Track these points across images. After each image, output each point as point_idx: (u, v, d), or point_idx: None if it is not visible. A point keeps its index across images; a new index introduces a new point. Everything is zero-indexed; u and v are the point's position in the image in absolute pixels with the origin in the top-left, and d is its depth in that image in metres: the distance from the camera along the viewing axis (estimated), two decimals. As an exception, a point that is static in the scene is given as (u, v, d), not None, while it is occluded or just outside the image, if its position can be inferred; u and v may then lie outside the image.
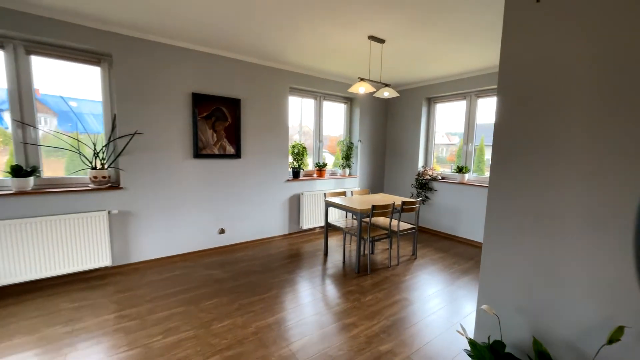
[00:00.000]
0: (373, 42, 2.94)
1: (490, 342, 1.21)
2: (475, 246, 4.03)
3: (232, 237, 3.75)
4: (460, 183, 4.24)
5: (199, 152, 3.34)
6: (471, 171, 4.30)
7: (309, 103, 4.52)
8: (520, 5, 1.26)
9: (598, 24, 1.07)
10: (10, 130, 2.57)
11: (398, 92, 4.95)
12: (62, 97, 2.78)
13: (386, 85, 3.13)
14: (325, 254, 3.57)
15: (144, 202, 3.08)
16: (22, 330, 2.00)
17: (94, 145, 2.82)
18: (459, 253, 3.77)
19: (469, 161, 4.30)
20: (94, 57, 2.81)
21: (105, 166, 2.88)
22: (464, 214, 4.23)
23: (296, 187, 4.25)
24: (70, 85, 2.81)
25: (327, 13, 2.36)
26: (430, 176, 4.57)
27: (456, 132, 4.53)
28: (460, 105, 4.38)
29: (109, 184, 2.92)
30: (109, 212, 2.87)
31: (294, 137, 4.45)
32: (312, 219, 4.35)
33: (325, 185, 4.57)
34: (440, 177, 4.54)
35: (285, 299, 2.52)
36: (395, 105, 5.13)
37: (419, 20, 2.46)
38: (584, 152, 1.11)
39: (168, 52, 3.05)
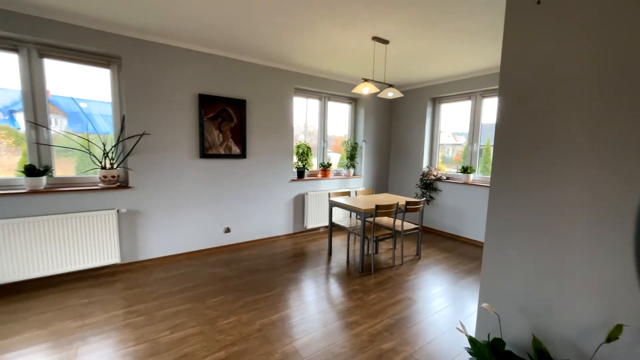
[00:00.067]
0: (377, 43, 2.96)
1: (490, 340, 1.22)
2: (480, 247, 4.01)
3: (238, 236, 3.80)
4: (465, 183, 4.22)
5: (205, 152, 3.40)
6: (477, 171, 4.28)
7: (314, 103, 4.55)
8: (521, 5, 1.27)
9: (598, 25, 1.07)
10: (22, 130, 2.65)
11: (402, 92, 4.95)
12: (73, 98, 2.86)
13: (390, 85, 3.14)
14: (330, 254, 3.60)
15: (152, 201, 3.15)
16: (36, 324, 2.07)
17: (104, 146, 2.89)
18: (463, 253, 3.76)
19: (474, 161, 4.28)
20: (103, 59, 2.88)
21: (115, 166, 2.96)
22: (469, 215, 4.21)
23: (301, 187, 4.28)
24: (80, 86, 2.89)
25: (331, 14, 2.39)
26: (434, 176, 4.56)
27: (462, 132, 4.51)
28: (466, 106, 4.36)
29: (118, 184, 2.99)
30: (118, 211, 2.95)
31: (299, 137, 4.49)
32: (316, 218, 4.37)
33: (330, 185, 4.60)
34: (445, 178, 4.53)
35: (289, 297, 2.56)
36: (400, 105, 5.13)
37: (422, 21, 2.47)
38: (584, 151, 1.12)
39: (175, 54, 3.11)
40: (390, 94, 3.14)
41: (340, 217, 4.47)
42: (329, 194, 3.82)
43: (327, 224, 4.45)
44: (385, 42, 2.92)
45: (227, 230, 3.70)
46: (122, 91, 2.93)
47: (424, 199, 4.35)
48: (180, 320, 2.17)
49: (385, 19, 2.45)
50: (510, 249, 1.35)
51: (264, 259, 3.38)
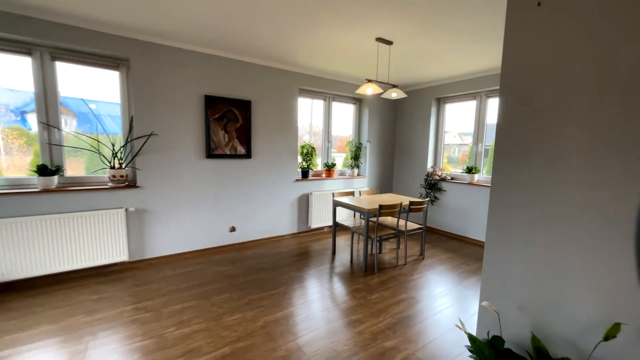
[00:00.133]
0: (381, 44, 2.97)
1: (490, 338, 1.23)
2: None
3: (243, 235, 3.85)
4: (470, 184, 4.21)
5: (211, 153, 3.45)
6: (482, 172, 4.26)
7: (319, 104, 4.58)
8: (521, 6, 1.28)
9: (598, 25, 1.08)
10: (33, 131, 2.74)
11: (407, 92, 4.95)
12: (83, 100, 2.93)
13: (394, 86, 3.16)
14: (333, 253, 3.63)
15: (159, 201, 3.22)
16: (48, 319, 2.14)
17: (113, 146, 2.96)
18: (467, 254, 3.75)
19: (479, 161, 4.26)
20: (113, 62, 2.96)
21: (123, 166, 3.03)
22: (474, 215, 4.20)
23: (305, 186, 4.32)
24: (90, 88, 2.97)
25: (335, 16, 2.42)
26: (439, 177, 4.55)
27: (469, 132, 4.49)
28: (471, 106, 4.35)
29: (127, 183, 3.06)
30: (126, 210, 3.02)
31: (305, 138, 4.53)
32: (320, 218, 4.40)
33: (334, 185, 4.62)
34: (449, 178, 4.52)
35: (293, 295, 2.59)
36: (404, 105, 5.13)
37: (426, 22, 2.49)
38: (584, 151, 1.13)
39: (182, 56, 3.17)
40: (394, 94, 3.15)
41: (344, 217, 4.49)
42: (333, 193, 3.85)
43: (331, 223, 4.48)
44: (389, 42, 2.94)
45: (233, 229, 3.75)
46: (131, 93, 3.00)
47: (428, 199, 4.34)
48: (187, 317, 2.21)
49: (391, 21, 2.47)
50: (511, 247, 1.36)
51: (269, 258, 3.42)
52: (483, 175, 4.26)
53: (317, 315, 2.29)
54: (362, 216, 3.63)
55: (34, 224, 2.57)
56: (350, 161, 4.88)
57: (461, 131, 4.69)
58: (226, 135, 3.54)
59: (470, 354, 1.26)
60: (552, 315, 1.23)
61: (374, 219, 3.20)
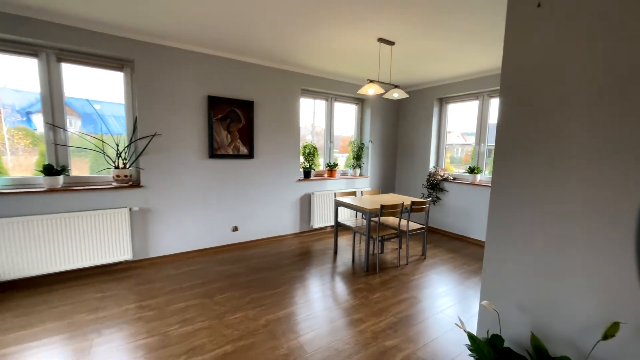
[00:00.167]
0: (382, 44, 2.98)
1: (489, 337, 1.24)
2: (487, 247, 3.98)
3: (245, 235, 3.87)
4: (472, 184, 4.20)
5: (214, 153, 3.48)
6: (484, 172, 4.26)
7: (321, 104, 4.60)
8: (522, 7, 1.29)
9: (598, 25, 1.09)
10: (38, 131, 2.78)
11: (409, 92, 4.96)
12: (88, 100, 2.97)
13: (396, 86, 3.17)
14: (335, 253, 3.64)
15: (162, 200, 3.25)
16: (54, 317, 2.17)
17: (117, 146, 3.00)
18: (469, 254, 3.75)
19: (482, 162, 4.26)
20: (117, 63, 2.99)
21: (127, 165, 3.06)
22: (476, 215, 4.19)
23: (307, 186, 4.34)
24: (94, 88, 3.00)
25: (336, 16, 2.43)
26: (441, 177, 4.55)
27: (472, 132, 4.49)
28: (473, 106, 4.34)
29: (131, 183, 3.09)
30: (130, 209, 3.05)
31: (307, 138, 4.55)
32: (322, 218, 4.42)
33: (336, 185, 4.64)
34: (451, 178, 4.52)
35: (295, 294, 2.61)
36: (407, 105, 5.13)
37: (427, 22, 2.49)
38: (584, 151, 1.13)
39: (185, 57, 3.20)
40: (396, 94, 3.16)
41: (346, 217, 4.51)
42: (335, 193, 3.86)
43: (333, 223, 4.48)
44: (391, 43, 2.95)
45: (235, 229, 3.78)
46: (135, 93, 3.03)
47: (430, 199, 4.34)
48: (190, 315, 2.24)
49: (390, 20, 2.48)
50: (511, 247, 1.37)
51: (271, 258, 3.44)
52: (485, 176, 4.25)
53: (318, 314, 2.30)
54: (363, 216, 3.63)
55: (40, 223, 2.61)
56: (352, 161, 4.89)
57: (464, 131, 4.68)
58: (229, 136, 3.57)
59: (470, 352, 1.26)
60: (551, 315, 1.24)
61: (376, 219, 3.21)
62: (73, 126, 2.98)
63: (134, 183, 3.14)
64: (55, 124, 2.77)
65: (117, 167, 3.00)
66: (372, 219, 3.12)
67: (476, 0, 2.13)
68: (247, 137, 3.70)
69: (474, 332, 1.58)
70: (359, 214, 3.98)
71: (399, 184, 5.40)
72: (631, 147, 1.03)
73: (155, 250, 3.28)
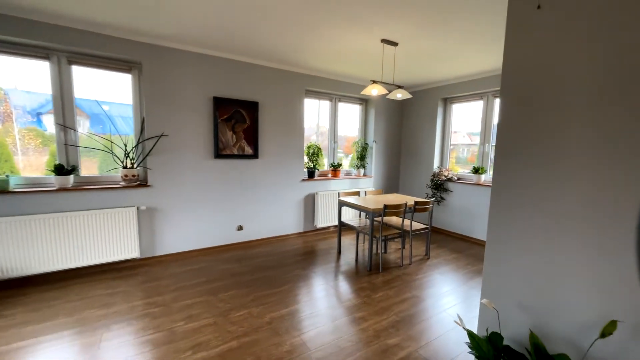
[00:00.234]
0: (386, 45, 3.00)
1: (488, 334, 1.26)
2: (492, 248, 3.96)
3: (250, 234, 3.92)
4: (477, 184, 4.19)
5: (219, 153, 3.53)
6: (488, 172, 4.24)
7: (325, 105, 4.63)
8: (522, 7, 1.30)
9: (598, 25, 1.10)
10: (48, 132, 2.86)
11: (412, 92, 4.96)
12: (97, 101, 3.04)
13: (399, 86, 3.18)
14: (339, 252, 3.66)
15: (169, 199, 3.31)
16: (64, 312, 2.24)
17: (125, 146, 3.07)
18: (473, 254, 3.74)
19: (486, 162, 4.24)
20: (125, 65, 3.06)
21: (135, 165, 3.13)
22: (480, 215, 4.17)
23: (311, 186, 4.37)
24: (103, 90, 3.07)
25: (339, 17, 2.46)
26: (445, 177, 4.54)
27: (478, 132, 4.47)
28: (478, 106, 4.33)
29: (138, 182, 3.16)
30: (137, 208, 3.11)
31: (312, 138, 4.58)
32: (326, 217, 4.45)
33: (340, 185, 4.66)
34: (456, 178, 4.51)
35: (298, 292, 2.64)
36: (411, 105, 5.13)
37: (429, 22, 2.51)
38: (584, 151, 1.14)
39: (191, 59, 3.26)
40: (399, 95, 3.17)
41: (350, 216, 4.53)
42: (338, 193, 3.88)
43: (336, 223, 4.51)
44: (394, 44, 2.96)
45: (240, 228, 3.83)
46: (142, 95, 3.10)
47: (434, 199, 4.34)
48: (195, 312, 2.29)
49: (393, 21, 2.50)
50: (511, 245, 1.38)
51: (275, 257, 3.48)
52: (490, 176, 4.23)
53: (321, 313, 2.33)
54: (367, 216, 3.65)
55: (51, 221, 2.68)
56: (356, 161, 4.91)
57: (470, 131, 4.66)
58: (234, 136, 3.61)
59: (470, 350, 1.28)
60: (550, 313, 1.25)
61: (379, 219, 3.23)
62: (82, 127, 3.05)
63: (142, 183, 3.20)
64: (66, 125, 2.85)
65: (125, 167, 3.06)
66: (375, 218, 3.14)
67: (477, 1, 2.14)
68: (252, 137, 3.74)
69: (475, 331, 1.59)
70: (363, 214, 4.00)
71: (402, 184, 5.40)
72: (631, 146, 1.04)
73: (162, 248, 3.34)
